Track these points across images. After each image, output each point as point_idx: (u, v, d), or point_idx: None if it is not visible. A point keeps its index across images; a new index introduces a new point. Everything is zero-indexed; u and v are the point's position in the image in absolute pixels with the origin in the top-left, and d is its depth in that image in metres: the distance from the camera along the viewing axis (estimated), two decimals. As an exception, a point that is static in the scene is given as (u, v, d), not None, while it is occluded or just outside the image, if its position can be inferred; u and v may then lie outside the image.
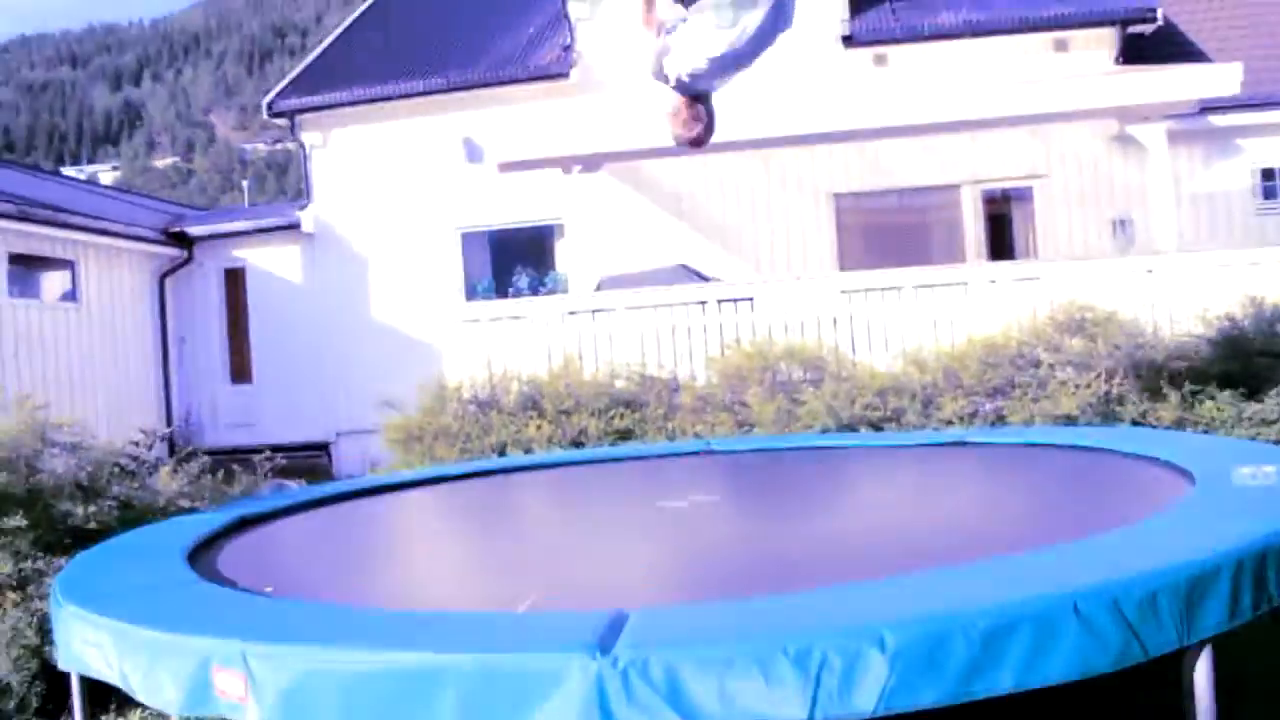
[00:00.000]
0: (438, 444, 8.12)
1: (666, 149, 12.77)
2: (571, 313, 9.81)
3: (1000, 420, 7.76)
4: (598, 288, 10.88)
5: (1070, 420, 7.44)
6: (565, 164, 11.48)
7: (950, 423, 7.67)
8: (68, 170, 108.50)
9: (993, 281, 9.64)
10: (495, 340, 9.80)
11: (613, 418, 8.32)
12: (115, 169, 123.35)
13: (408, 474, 6.79)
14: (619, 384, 8.94)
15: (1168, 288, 9.22)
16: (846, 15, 14.12)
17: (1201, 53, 14.49)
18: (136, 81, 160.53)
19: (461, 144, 11.24)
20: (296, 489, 8.24)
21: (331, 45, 16.78)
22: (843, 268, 13.40)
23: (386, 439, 8.59)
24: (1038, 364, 7.98)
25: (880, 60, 14.28)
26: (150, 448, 6.86)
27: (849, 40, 14.04)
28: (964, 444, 6.28)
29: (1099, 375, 7.62)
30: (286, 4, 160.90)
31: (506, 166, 11.34)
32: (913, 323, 9.40)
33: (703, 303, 9.63)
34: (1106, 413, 7.44)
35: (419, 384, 8.75)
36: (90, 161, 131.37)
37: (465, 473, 6.50)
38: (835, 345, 9.00)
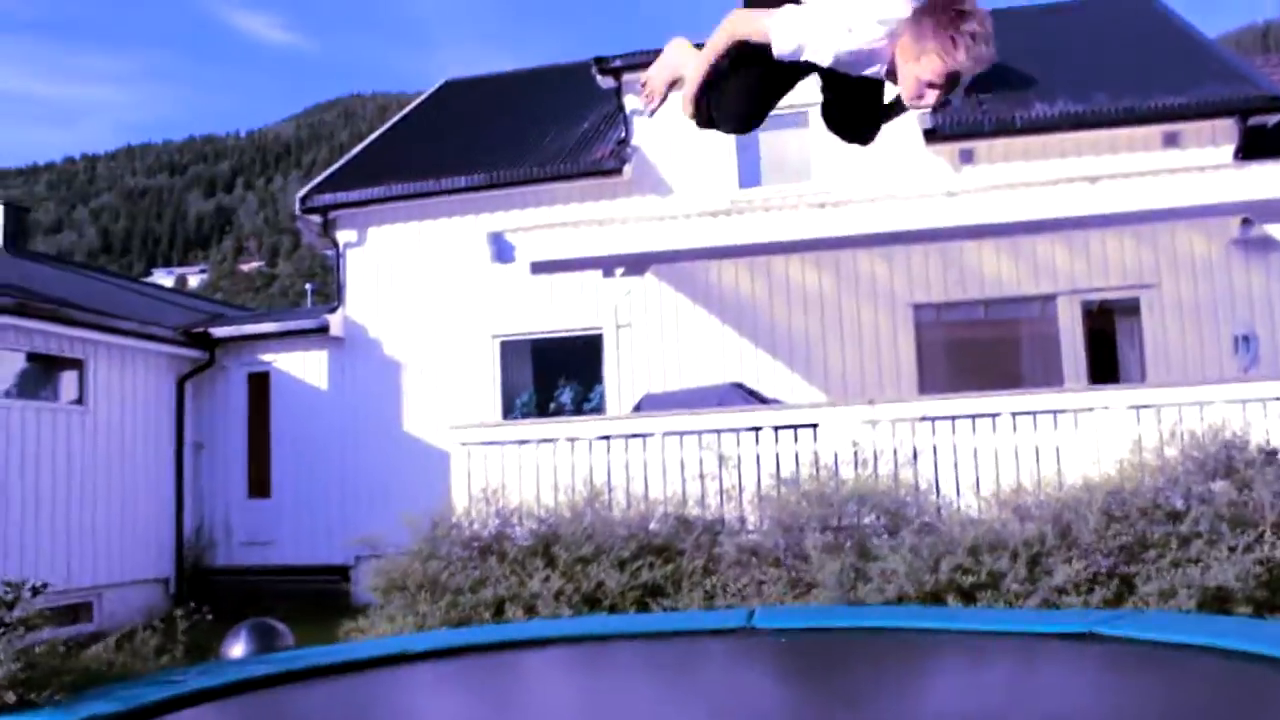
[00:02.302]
0: (422, 597, 6.62)
1: (721, 248, 11.48)
2: (603, 437, 8.32)
3: (1128, 587, 6.05)
4: (638, 407, 9.42)
5: (1225, 594, 5.72)
6: (607, 265, 10.16)
7: (1064, 592, 5.99)
8: (158, 272, 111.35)
9: (1106, 408, 7.98)
10: (511, 465, 8.34)
11: (640, 569, 6.76)
12: (203, 272, 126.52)
13: (355, 647, 5.28)
14: (652, 524, 7.40)
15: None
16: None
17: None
18: (230, 189, 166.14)
19: (488, 241, 9.98)
20: (279, 628, 6.86)
21: (374, 142, 15.88)
22: (923, 390, 11.78)
23: (371, 585, 7.12)
24: (1177, 516, 6.27)
25: (966, 156, 12.84)
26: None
27: (931, 134, 12.62)
28: (1093, 636, 4.62)
29: (1261, 533, 5.91)
30: (376, 117, 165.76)
31: (540, 267, 10.04)
32: (1009, 457, 7.76)
33: (757, 429, 8.07)
34: (1275, 584, 5.71)
35: (406, 518, 7.30)
36: (181, 264, 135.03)
37: (423, 650, 4.97)
38: (915, 484, 7.36)
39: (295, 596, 12.93)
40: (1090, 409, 7.92)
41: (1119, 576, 6.04)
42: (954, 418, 7.90)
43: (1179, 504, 6.44)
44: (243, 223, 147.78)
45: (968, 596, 5.96)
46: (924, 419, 7.91)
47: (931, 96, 2.64)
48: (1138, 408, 7.82)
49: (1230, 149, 12.14)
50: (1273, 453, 6.52)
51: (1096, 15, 15.49)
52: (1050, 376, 12.15)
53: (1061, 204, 10.16)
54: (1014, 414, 7.85)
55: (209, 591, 14.02)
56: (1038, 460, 7.78)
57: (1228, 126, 12.17)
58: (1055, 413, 7.92)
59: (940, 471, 7.76)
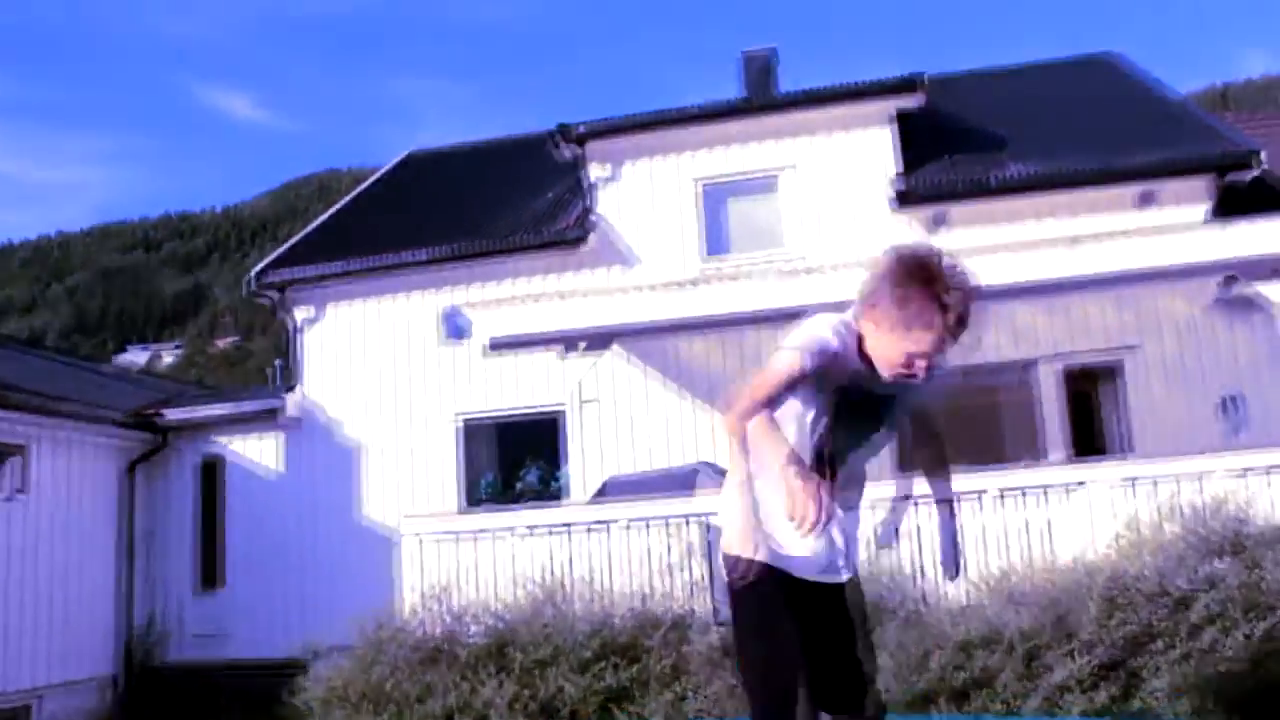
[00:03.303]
0: (365, 708, 6.01)
1: (688, 320, 11.04)
2: (563, 526, 7.77)
3: (1135, 682, 5.53)
4: (601, 491, 8.90)
5: (1238, 686, 5.20)
6: (568, 341, 9.70)
7: (1066, 689, 5.47)
8: (132, 350, 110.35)
9: (1097, 482, 7.51)
10: (466, 557, 7.78)
11: (602, 670, 6.19)
12: (178, 349, 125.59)
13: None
14: (616, 620, 6.84)
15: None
16: (899, 170, 12.44)
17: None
18: (205, 265, 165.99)
19: (442, 318, 9.48)
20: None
21: (333, 216, 15.44)
22: (902, 462, 11.28)
23: (308, 697, 6.51)
24: (1185, 601, 5.77)
25: (939, 220, 12.50)
26: None
27: (904, 198, 12.31)
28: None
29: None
30: (351, 191, 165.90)
31: (498, 344, 9.57)
32: (997, 537, 7.27)
33: (726, 513, 7.55)
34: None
35: (352, 620, 6.71)
36: (155, 341, 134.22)
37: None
38: (896, 567, 6.84)
39: (250, 695, 12.20)
40: (1081, 483, 7.47)
41: (1125, 670, 5.53)
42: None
43: (1184, 585, 5.95)
44: (218, 299, 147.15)
45: (961, 697, 5.43)
46: (906, 498, 7.40)
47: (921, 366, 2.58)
48: (1132, 480, 7.36)
49: (1205, 207, 11.85)
50: (1280, 529, 6.06)
51: (1064, 76, 15.32)
52: (1032, 444, 11.71)
53: (1040, 267, 9.82)
54: (1001, 491, 7.37)
55: (160, 690, 13.25)
56: (1028, 539, 7.30)
57: (1203, 184, 11.89)
58: (1044, 488, 7.46)
59: (924, 555, 7.25)
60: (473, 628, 6.90)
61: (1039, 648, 5.75)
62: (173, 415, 13.83)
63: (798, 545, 2.68)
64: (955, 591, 6.78)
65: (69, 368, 17.62)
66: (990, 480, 7.48)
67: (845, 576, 2.80)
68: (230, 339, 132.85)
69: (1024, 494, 7.40)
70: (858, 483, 2.95)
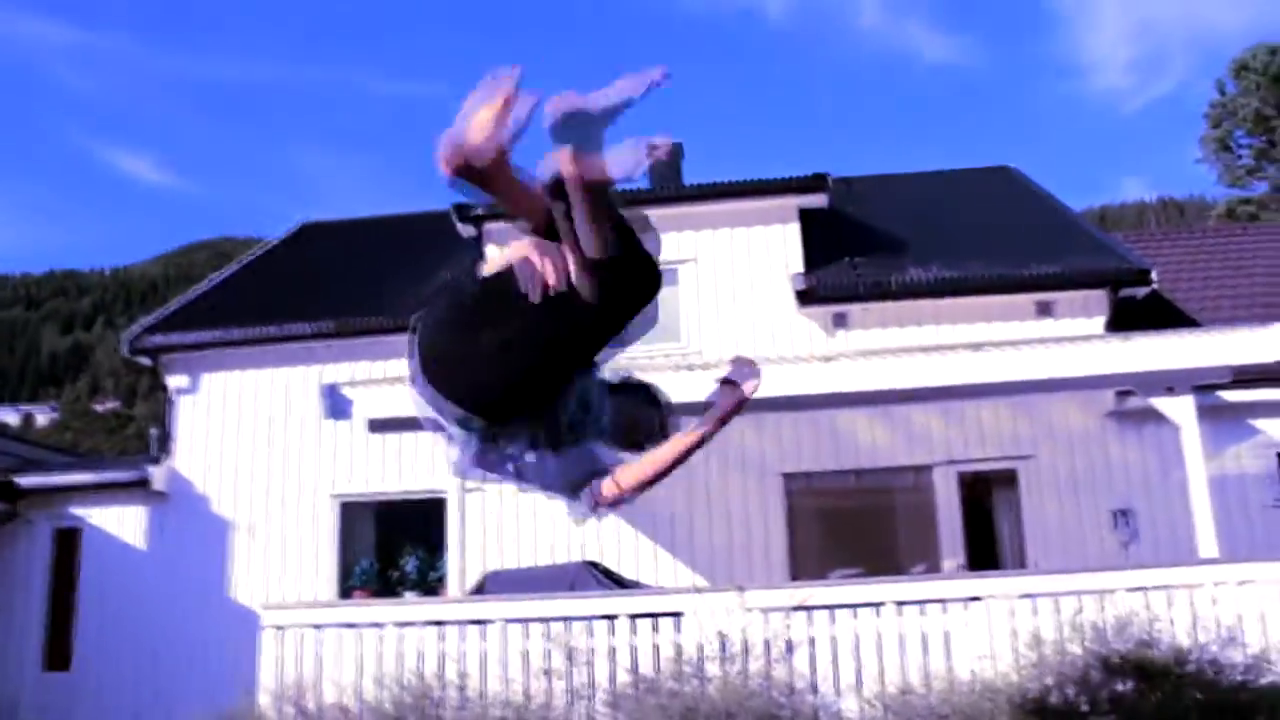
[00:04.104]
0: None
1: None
2: (436, 622, 7.23)
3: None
4: (479, 588, 8.36)
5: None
6: (455, 423, 9.19)
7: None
8: (3, 409, 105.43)
9: (993, 596, 7.27)
10: (330, 653, 7.17)
11: (470, 791, 5.64)
12: (54, 410, 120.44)
13: None
14: (490, 730, 6.31)
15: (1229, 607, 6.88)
16: (800, 268, 12.35)
17: (1194, 320, 12.81)
18: (89, 326, 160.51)
19: (321, 395, 8.96)
20: None
21: (217, 284, 14.76)
22: (795, 565, 11.02)
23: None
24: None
25: (840, 320, 12.42)
26: None
27: (804, 296, 12.20)
28: None
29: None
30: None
31: (378, 425, 9.03)
32: (893, 649, 6.95)
33: (612, 618, 7.08)
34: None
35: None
36: (30, 401, 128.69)
37: None
38: (790, 683, 6.45)
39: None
40: (978, 598, 7.21)
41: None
42: (832, 607, 7.08)
43: (1086, 709, 5.68)
44: (101, 361, 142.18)
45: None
46: (799, 608, 7.06)
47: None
48: (1031, 596, 7.14)
49: (1102, 320, 12.00)
50: (1180, 651, 5.85)
51: (965, 183, 15.54)
52: (928, 549, 11.54)
53: (937, 372, 9.67)
54: (898, 603, 7.07)
55: (-10, 785, 12.17)
56: (925, 652, 7.00)
57: (1099, 297, 12.04)
58: (943, 601, 7.17)
59: (818, 666, 6.90)
60: (329, 734, 6.30)
61: (938, 777, 5.41)
62: (27, 482, 12.88)
63: None
64: (852, 710, 6.42)
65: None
66: (887, 591, 7.18)
67: None
68: (111, 404, 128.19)
69: (922, 608, 7.11)
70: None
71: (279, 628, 7.37)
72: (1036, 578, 7.74)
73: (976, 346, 9.52)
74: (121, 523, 12.86)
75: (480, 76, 2.22)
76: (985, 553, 11.65)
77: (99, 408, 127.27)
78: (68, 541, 13.01)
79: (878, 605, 7.02)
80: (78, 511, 12.96)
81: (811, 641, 6.96)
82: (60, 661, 12.69)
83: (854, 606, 7.02)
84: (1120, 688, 5.72)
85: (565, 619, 7.04)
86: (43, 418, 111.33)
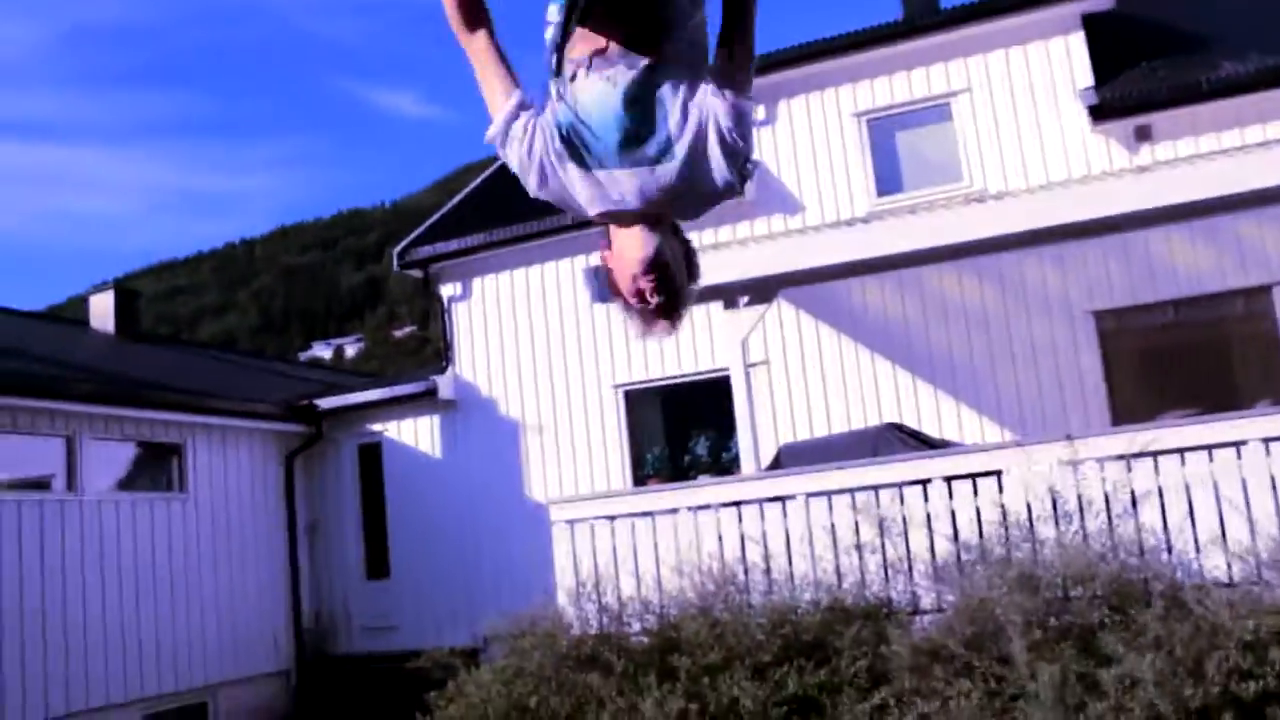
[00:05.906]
0: (509, 732, 5.17)
1: (860, 261, 9.79)
2: (733, 503, 6.78)
3: None
4: (775, 462, 7.83)
5: None
6: (728, 293, 8.66)
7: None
8: (317, 346, 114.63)
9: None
10: (624, 545, 6.88)
11: (784, 676, 5.18)
12: (359, 341, 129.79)
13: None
14: (800, 610, 5.82)
15: None
16: (1090, 82, 10.91)
17: None
18: (379, 258, 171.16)
19: (585, 279, 8.59)
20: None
21: (474, 190, 14.77)
22: (1115, 408, 9.89)
23: (448, 717, 5.72)
24: None
25: (1142, 134, 10.91)
26: None
27: (1099, 111, 10.77)
28: None
29: None
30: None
31: (648, 303, 8.57)
32: (1263, 493, 5.91)
33: (924, 482, 6.40)
34: None
35: (489, 628, 5.89)
36: (338, 336, 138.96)
37: None
38: (1140, 543, 5.58)
39: (422, 686, 11.75)
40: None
41: None
42: (1182, 449, 6.09)
43: None
44: (393, 289, 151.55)
45: (1252, 714, 4.21)
46: (1142, 454, 6.11)
47: None
48: None
49: None
50: None
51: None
52: (1274, 384, 10.09)
53: (1271, 172, 8.23)
54: (1263, 440, 5.99)
55: (332, 683, 12.97)
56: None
57: None
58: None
59: (1169, 520, 5.96)
60: (634, 625, 5.99)
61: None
62: (326, 404, 13.47)
63: None
64: (1218, 567, 5.49)
65: (232, 365, 17.64)
66: (1250, 427, 6.10)
67: None
68: (408, 328, 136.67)
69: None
70: None
71: (570, 522, 7.14)
72: None
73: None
74: (417, 434, 13.24)
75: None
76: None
77: (397, 333, 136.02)
78: (371, 456, 13.55)
79: (1238, 445, 5.98)
80: (375, 427, 13.46)
81: (1160, 492, 6.02)
82: (380, 569, 13.31)
83: (1209, 447, 6.01)
84: None
85: (872, 488, 6.41)
86: (351, 349, 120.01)
